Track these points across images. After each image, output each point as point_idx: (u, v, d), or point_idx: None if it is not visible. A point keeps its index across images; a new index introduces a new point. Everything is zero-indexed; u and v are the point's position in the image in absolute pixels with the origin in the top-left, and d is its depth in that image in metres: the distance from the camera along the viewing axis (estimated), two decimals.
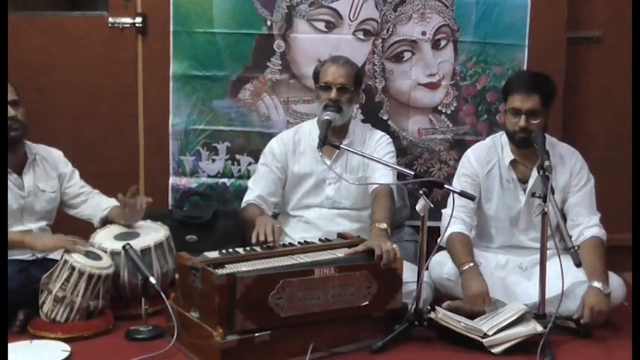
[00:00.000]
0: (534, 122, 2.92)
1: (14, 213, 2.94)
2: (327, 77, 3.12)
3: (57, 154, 3.18)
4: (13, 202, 2.94)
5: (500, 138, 3.12)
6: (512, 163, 3.06)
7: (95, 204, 3.18)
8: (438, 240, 2.88)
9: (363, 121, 3.60)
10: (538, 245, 2.82)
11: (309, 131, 3.25)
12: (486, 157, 3.11)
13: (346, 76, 3.12)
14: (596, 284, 2.80)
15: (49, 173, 3.09)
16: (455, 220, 2.87)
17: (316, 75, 3.20)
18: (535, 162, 2.95)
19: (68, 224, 3.19)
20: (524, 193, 3.05)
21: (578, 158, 3.10)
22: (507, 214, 3.10)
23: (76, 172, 3.21)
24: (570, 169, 3.06)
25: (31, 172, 3.02)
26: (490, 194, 3.11)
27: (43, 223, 3.06)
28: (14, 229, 2.91)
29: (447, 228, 2.85)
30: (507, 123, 3.00)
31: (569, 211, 3.05)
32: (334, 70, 3.12)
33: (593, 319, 2.76)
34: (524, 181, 3.06)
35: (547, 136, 3.00)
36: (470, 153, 3.17)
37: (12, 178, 2.96)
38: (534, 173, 2.99)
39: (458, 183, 3.10)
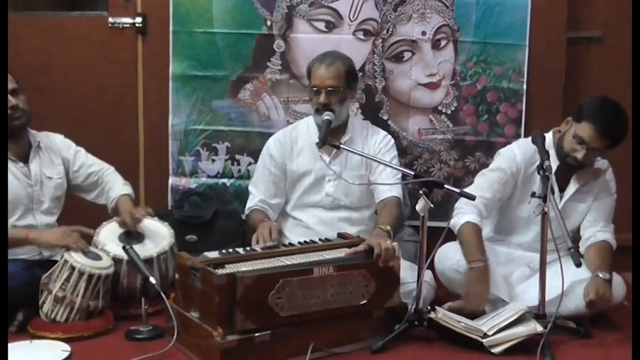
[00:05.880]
0: (591, 154, 2.91)
1: (24, 203, 2.93)
2: (316, 80, 3.06)
3: (58, 139, 3.14)
4: (21, 191, 2.92)
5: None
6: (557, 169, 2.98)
7: (106, 193, 3.15)
8: (448, 224, 2.89)
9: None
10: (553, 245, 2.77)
11: (307, 128, 3.22)
12: (532, 159, 2.99)
13: (335, 77, 3.05)
14: (600, 275, 2.85)
15: (53, 160, 3.06)
16: (471, 208, 2.86)
17: (308, 73, 3.16)
18: (571, 175, 3.03)
19: (74, 218, 3.14)
20: (561, 200, 3.01)
21: (610, 171, 3.12)
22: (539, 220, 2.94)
23: (81, 152, 3.16)
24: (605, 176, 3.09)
25: (36, 160, 3.00)
26: (526, 197, 2.91)
27: (51, 219, 3.03)
28: (24, 221, 2.91)
29: (461, 215, 2.90)
30: (567, 144, 2.94)
31: (591, 211, 3.07)
32: (322, 72, 3.05)
33: (598, 301, 2.78)
34: (562, 189, 3.04)
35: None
36: (517, 150, 3.05)
37: (18, 166, 2.93)
38: (572, 184, 3.03)
39: (486, 173, 3.06)
